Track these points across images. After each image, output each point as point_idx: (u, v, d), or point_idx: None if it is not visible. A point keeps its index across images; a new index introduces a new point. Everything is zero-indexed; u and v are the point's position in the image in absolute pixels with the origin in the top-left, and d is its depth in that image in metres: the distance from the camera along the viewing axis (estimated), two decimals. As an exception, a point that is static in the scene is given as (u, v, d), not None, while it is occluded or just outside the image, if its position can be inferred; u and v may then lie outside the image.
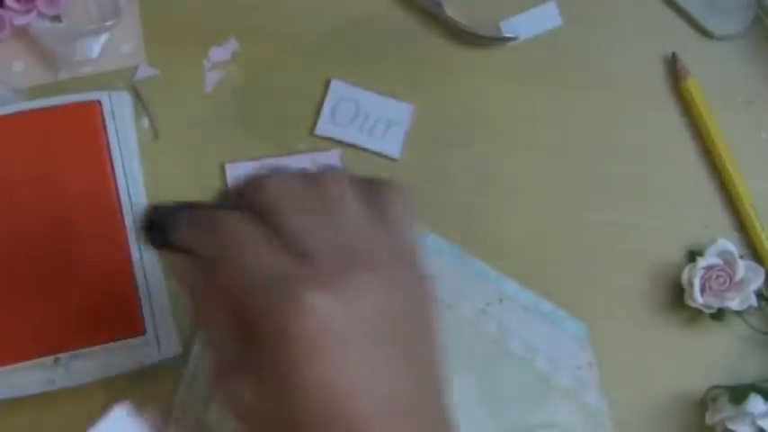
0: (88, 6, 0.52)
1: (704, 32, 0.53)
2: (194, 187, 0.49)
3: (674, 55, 0.53)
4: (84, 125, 0.48)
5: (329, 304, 0.33)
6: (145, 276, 0.47)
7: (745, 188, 0.51)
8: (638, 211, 0.51)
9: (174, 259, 0.37)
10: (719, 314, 0.49)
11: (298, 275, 0.34)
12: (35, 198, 0.47)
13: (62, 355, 0.46)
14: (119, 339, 0.46)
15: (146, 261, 0.47)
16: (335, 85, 0.52)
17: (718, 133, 0.52)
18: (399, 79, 0.52)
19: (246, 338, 0.35)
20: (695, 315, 0.49)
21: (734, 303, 0.48)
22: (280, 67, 0.52)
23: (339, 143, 0.51)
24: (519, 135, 0.52)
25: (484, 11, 0.53)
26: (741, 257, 0.49)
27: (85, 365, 0.46)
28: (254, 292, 0.34)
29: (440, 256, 0.50)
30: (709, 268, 0.49)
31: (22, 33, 0.51)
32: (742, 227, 0.51)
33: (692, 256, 0.50)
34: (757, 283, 0.49)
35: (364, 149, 0.51)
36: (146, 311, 0.47)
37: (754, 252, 0.51)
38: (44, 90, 0.51)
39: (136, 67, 0.52)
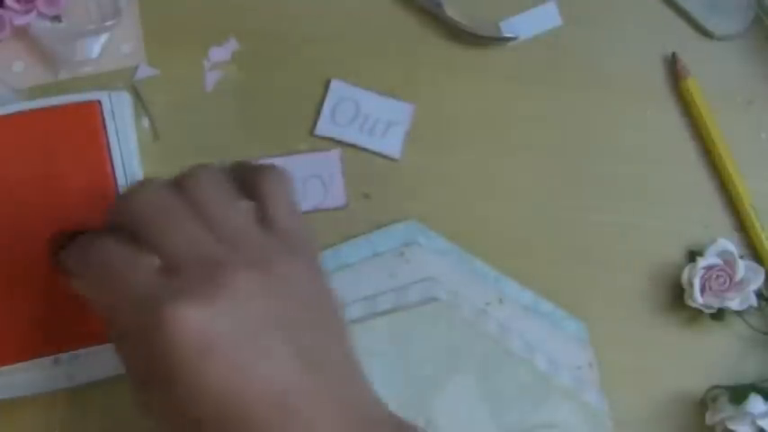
0: (88, 6, 0.52)
1: (704, 32, 0.53)
2: (194, 187, 0.49)
3: (674, 55, 0.53)
4: (84, 125, 0.48)
5: (200, 313, 0.34)
6: (145, 276, 0.47)
7: (745, 188, 0.51)
8: (638, 211, 0.51)
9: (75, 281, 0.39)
10: (719, 314, 0.49)
11: (164, 292, 0.34)
12: (35, 198, 0.47)
13: (62, 355, 0.46)
14: (119, 339, 0.46)
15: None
16: (335, 85, 0.52)
17: (718, 133, 0.52)
18: (399, 79, 0.52)
19: (138, 353, 0.35)
20: (695, 315, 0.49)
21: (734, 303, 0.48)
22: (280, 67, 0.52)
23: (339, 143, 0.51)
24: (519, 135, 0.52)
25: (484, 11, 0.53)
26: (741, 257, 0.49)
27: (85, 365, 0.46)
28: (127, 313, 0.35)
29: (440, 256, 0.50)
30: (709, 268, 0.49)
31: (22, 33, 0.51)
32: (742, 227, 0.51)
33: (692, 256, 0.50)
34: (757, 283, 0.49)
35: (364, 149, 0.51)
36: (146, 311, 0.47)
37: (754, 252, 0.51)
38: (44, 90, 0.51)
39: (136, 67, 0.52)
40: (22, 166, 0.47)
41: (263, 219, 0.38)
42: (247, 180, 0.39)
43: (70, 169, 0.47)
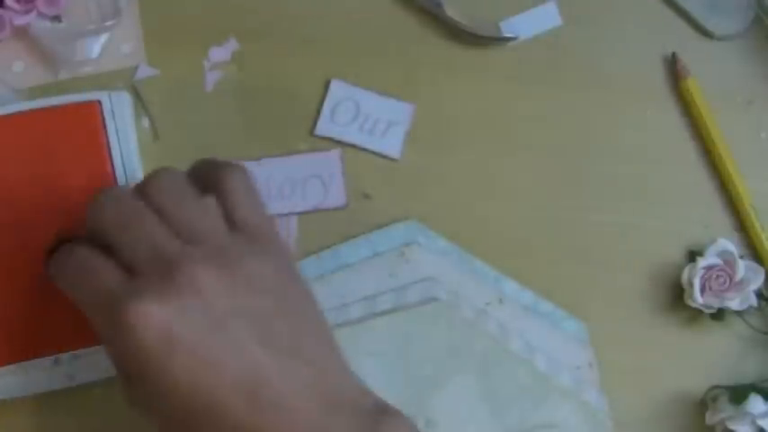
0: (88, 6, 0.52)
1: (704, 32, 0.53)
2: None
3: (674, 55, 0.53)
4: (84, 125, 0.48)
5: (161, 310, 0.35)
6: (145, 276, 0.47)
7: (745, 188, 0.51)
8: (638, 211, 0.51)
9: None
10: (719, 314, 0.49)
11: (126, 292, 0.36)
12: (35, 198, 0.47)
13: (62, 355, 0.46)
14: (119, 339, 0.46)
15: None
16: (335, 85, 0.52)
17: (718, 133, 0.52)
18: (399, 79, 0.52)
19: (115, 351, 0.37)
20: (695, 315, 0.49)
21: (734, 303, 0.48)
22: (280, 67, 0.52)
23: (339, 143, 0.51)
24: (519, 135, 0.52)
25: (484, 11, 0.53)
26: (741, 257, 0.49)
27: (85, 365, 0.46)
28: (100, 315, 0.37)
29: (440, 256, 0.50)
30: (709, 268, 0.49)
31: (22, 33, 0.51)
32: (742, 227, 0.51)
33: (692, 256, 0.50)
34: (757, 283, 0.49)
35: (364, 149, 0.51)
36: (146, 311, 0.47)
37: (754, 252, 0.51)
38: (44, 90, 0.51)
39: (136, 67, 0.52)
40: (22, 166, 0.47)
41: (226, 214, 0.39)
42: (210, 177, 0.40)
43: (70, 169, 0.47)
